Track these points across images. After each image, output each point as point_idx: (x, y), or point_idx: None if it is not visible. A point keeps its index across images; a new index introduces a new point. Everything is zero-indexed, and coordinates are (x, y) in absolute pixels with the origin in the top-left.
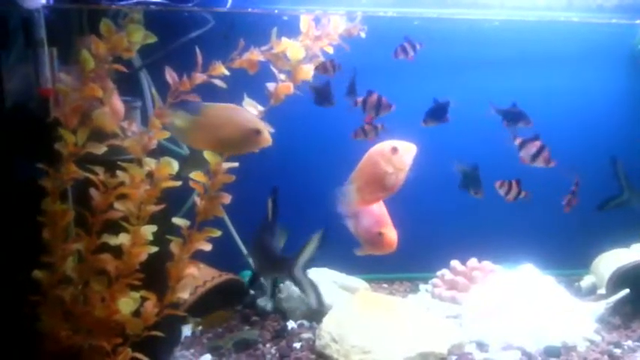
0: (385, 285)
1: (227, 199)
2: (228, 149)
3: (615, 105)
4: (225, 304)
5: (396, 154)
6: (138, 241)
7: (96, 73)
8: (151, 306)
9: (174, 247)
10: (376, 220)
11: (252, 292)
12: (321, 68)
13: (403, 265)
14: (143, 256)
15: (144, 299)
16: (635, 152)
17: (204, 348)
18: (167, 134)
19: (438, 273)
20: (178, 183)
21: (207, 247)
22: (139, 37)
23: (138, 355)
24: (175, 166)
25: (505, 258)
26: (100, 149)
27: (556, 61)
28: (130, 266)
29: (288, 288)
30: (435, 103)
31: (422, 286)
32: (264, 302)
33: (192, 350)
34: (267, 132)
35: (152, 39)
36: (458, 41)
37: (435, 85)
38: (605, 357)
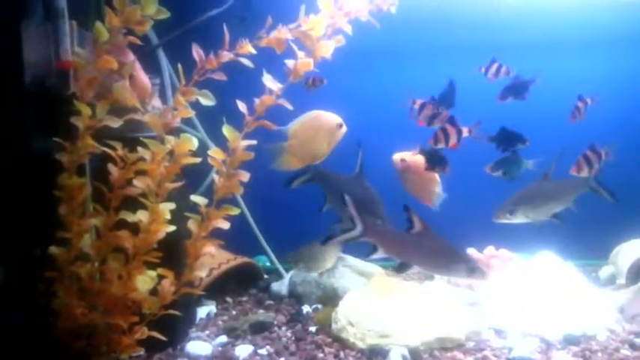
0: None
1: (246, 176)
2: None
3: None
4: (240, 287)
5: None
6: (156, 219)
7: (113, 45)
8: (168, 284)
9: (192, 225)
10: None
11: (266, 276)
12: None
13: None
14: (161, 234)
15: (161, 277)
16: None
17: (219, 330)
18: (191, 112)
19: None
20: (198, 160)
21: (226, 225)
22: (152, 10)
23: (155, 334)
24: (195, 143)
25: (522, 247)
26: (118, 123)
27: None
28: (148, 244)
29: (304, 272)
30: (515, 79)
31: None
32: (279, 286)
33: (207, 332)
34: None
35: (165, 14)
36: (477, 24)
37: (451, 69)
38: (626, 346)
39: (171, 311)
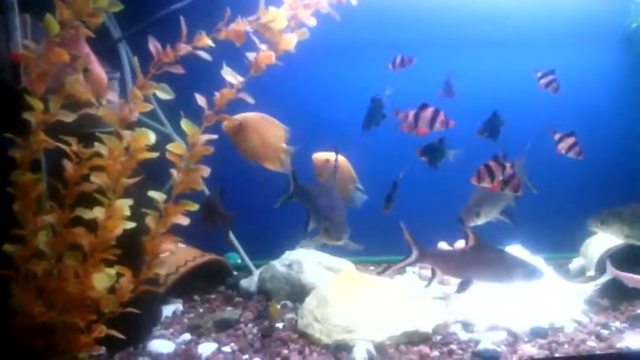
0: (372, 267)
1: (206, 171)
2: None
3: (609, 85)
4: (206, 285)
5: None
6: (113, 215)
7: (66, 38)
8: (126, 282)
9: (150, 221)
10: None
11: (236, 273)
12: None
13: (391, 247)
14: (118, 231)
15: (120, 275)
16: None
17: (184, 327)
18: (148, 107)
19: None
20: (155, 155)
21: (185, 221)
22: (105, 2)
23: (113, 332)
24: (152, 137)
25: (493, 241)
26: (71, 118)
27: (549, 42)
28: (105, 241)
29: (272, 268)
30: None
31: (409, 268)
32: (248, 283)
33: (171, 330)
34: None
35: (118, 7)
36: (446, 21)
37: (421, 66)
38: (593, 338)
39: (130, 309)
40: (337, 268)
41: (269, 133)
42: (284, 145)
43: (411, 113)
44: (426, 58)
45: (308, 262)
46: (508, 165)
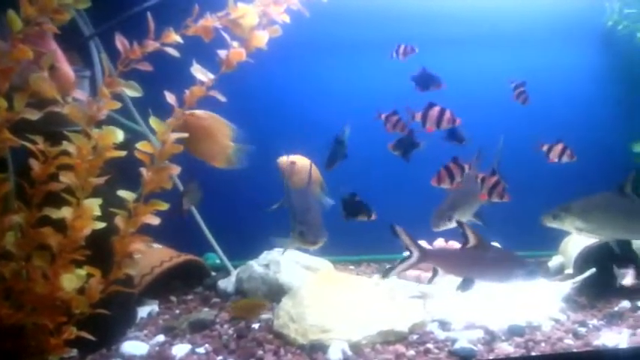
0: (352, 267)
1: (176, 170)
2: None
3: (585, 83)
4: (184, 285)
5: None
6: (81, 215)
7: (30, 35)
8: (95, 283)
9: (119, 221)
10: None
11: (214, 273)
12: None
13: (371, 246)
14: (87, 231)
15: (90, 276)
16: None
17: (158, 329)
18: (117, 104)
19: (405, 253)
20: (122, 153)
21: (155, 220)
22: None
23: (84, 334)
24: (120, 135)
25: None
26: (37, 116)
27: (526, 40)
28: (74, 241)
29: (250, 268)
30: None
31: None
32: (226, 284)
33: (145, 331)
34: None
35: (85, 4)
36: (425, 19)
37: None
38: (570, 336)
39: (101, 310)
40: (315, 268)
41: (214, 130)
42: (230, 143)
43: (419, 114)
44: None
45: (286, 261)
46: (466, 166)
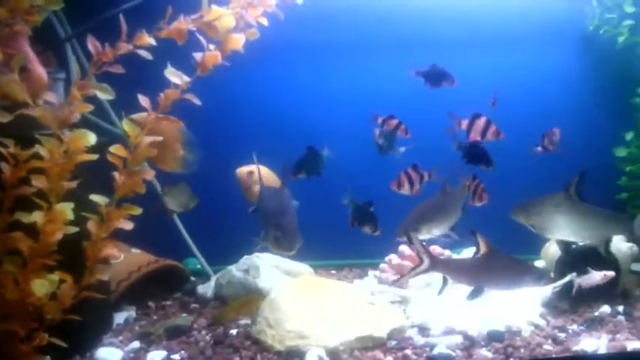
0: (334, 271)
1: (150, 174)
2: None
3: (567, 86)
4: (163, 291)
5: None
6: (53, 219)
7: (1, 37)
8: (67, 288)
9: (91, 225)
10: None
11: (193, 278)
12: None
13: (354, 251)
14: (59, 235)
15: (62, 281)
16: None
17: (134, 335)
18: (88, 107)
19: (386, 258)
20: (94, 156)
21: (128, 225)
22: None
23: (56, 340)
24: (92, 138)
25: (454, 243)
26: (7, 118)
27: (508, 43)
28: (46, 246)
29: (229, 273)
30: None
31: (371, 272)
32: (205, 289)
33: (121, 337)
34: None
35: (58, 5)
36: (404, 21)
37: (382, 66)
38: (549, 341)
39: (73, 316)
40: (296, 273)
41: (164, 133)
42: (179, 146)
43: (465, 121)
44: (386, 59)
45: (265, 266)
46: (426, 174)
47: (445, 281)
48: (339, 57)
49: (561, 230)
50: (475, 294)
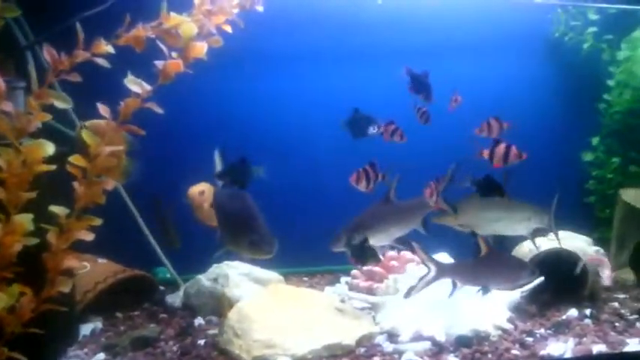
0: (306, 278)
1: (110, 184)
2: None
3: (533, 92)
4: (132, 301)
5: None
6: (12, 231)
7: None
8: (26, 301)
9: (51, 236)
10: None
11: (163, 288)
12: None
13: (326, 257)
14: (18, 247)
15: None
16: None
17: (99, 347)
18: (47, 117)
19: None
20: (52, 167)
21: (89, 236)
22: None
23: (16, 355)
24: (50, 148)
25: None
26: None
27: (474, 49)
28: (4, 258)
29: (198, 283)
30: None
31: (343, 279)
32: (174, 299)
33: (86, 350)
34: None
35: (13, 12)
36: (371, 27)
37: (348, 74)
38: (517, 346)
39: (33, 330)
40: (265, 281)
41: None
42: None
43: (486, 151)
44: (358, 66)
45: (235, 275)
46: (380, 175)
47: (455, 285)
48: (302, 65)
49: (491, 226)
50: (485, 292)
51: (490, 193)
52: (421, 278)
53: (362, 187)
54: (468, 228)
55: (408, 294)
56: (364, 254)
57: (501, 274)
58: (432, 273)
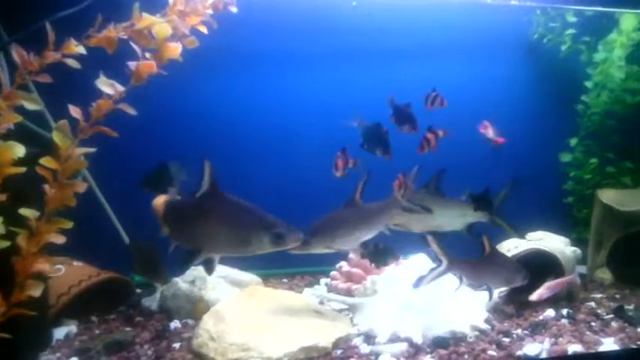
0: (285, 280)
1: (82, 187)
2: None
3: (512, 93)
4: (108, 305)
5: None
6: None
7: None
8: None
9: (20, 240)
10: None
11: (139, 291)
12: None
13: (306, 259)
14: None
15: None
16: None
17: (72, 351)
18: (18, 118)
19: (337, 265)
20: (22, 169)
21: (59, 239)
22: None
23: None
24: (20, 150)
25: (403, 249)
26: None
27: (451, 51)
28: None
29: (175, 285)
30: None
31: (323, 280)
32: (150, 302)
33: (58, 354)
34: None
35: None
36: (350, 30)
37: (327, 76)
38: (494, 347)
39: (2, 334)
40: (243, 282)
41: None
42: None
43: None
44: (337, 68)
45: (212, 277)
46: (351, 161)
47: (461, 280)
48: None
49: (429, 223)
50: (490, 291)
51: (483, 207)
52: (432, 269)
53: (337, 173)
54: (408, 228)
55: (417, 284)
56: (381, 255)
57: (499, 275)
58: (443, 266)
